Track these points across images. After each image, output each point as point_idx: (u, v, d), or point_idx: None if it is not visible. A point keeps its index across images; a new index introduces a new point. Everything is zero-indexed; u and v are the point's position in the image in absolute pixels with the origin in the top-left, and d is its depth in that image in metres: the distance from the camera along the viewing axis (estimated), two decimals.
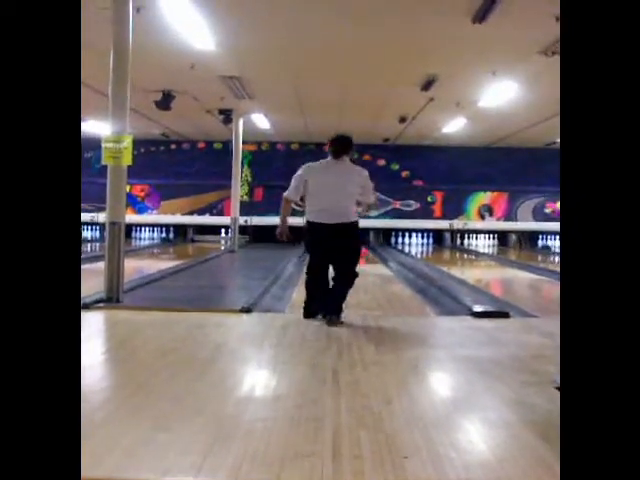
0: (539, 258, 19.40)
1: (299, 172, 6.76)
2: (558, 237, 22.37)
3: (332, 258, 6.60)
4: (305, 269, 6.89)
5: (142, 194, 22.88)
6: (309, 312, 6.62)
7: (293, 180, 6.74)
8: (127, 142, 7.45)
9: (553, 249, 22.25)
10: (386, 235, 22.65)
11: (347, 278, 6.60)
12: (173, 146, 22.87)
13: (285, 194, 6.80)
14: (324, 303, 6.57)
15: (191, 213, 23.03)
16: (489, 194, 23.13)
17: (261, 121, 18.09)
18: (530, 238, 23.14)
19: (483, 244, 23.26)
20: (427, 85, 12.72)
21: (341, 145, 6.72)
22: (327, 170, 6.71)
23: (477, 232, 23.35)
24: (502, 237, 23.31)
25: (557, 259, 18.77)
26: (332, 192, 6.57)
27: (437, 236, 23.19)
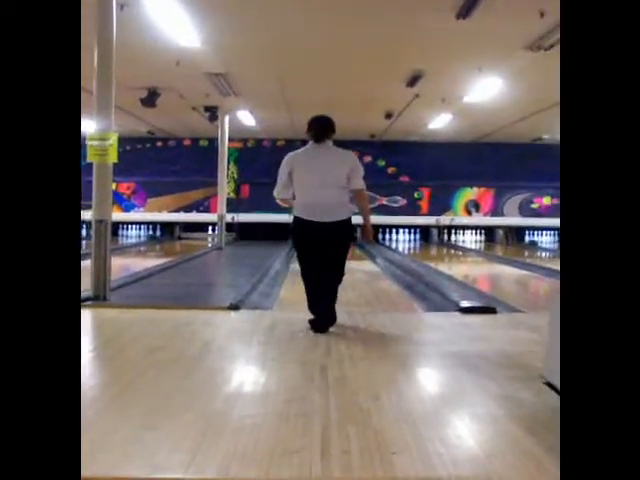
0: (526, 253, 19.47)
1: (282, 163, 6.00)
2: (544, 232, 22.53)
3: (322, 258, 5.89)
4: (302, 276, 6.03)
5: (128, 192, 22.83)
6: (321, 325, 5.82)
7: (279, 174, 6.02)
8: (112, 140, 7.42)
9: (540, 244, 22.35)
10: (373, 231, 22.38)
11: (337, 278, 6.00)
12: (159, 143, 22.82)
13: (274, 193, 6.07)
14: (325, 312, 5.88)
15: (177, 210, 23.00)
16: (476, 190, 23.19)
17: (247, 118, 18.07)
18: (517, 233, 23.22)
19: (470, 240, 23.33)
20: (413, 81, 12.73)
21: (321, 127, 6.00)
22: (311, 157, 5.95)
23: (464, 228, 23.41)
24: (489, 233, 23.38)
25: (544, 254, 18.85)
26: (319, 183, 5.81)
27: (424, 232, 23.23)
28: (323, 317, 5.83)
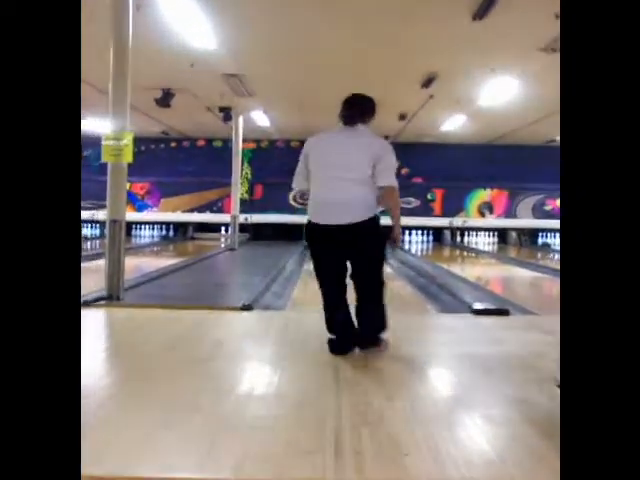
0: (539, 255, 19.40)
1: (303, 149, 4.97)
2: (558, 234, 22.44)
3: (351, 268, 4.92)
4: (320, 288, 5.06)
5: (142, 192, 22.89)
6: (340, 347, 4.91)
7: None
8: (128, 140, 7.45)
9: (553, 246, 22.28)
10: (385, 233, 22.36)
11: (374, 292, 4.94)
12: (173, 144, 22.88)
13: (293, 184, 5.05)
14: (347, 331, 4.97)
15: (191, 211, 23.05)
16: (489, 191, 23.14)
17: (261, 118, 18.09)
18: (530, 235, 23.16)
19: (483, 242, 23.27)
20: (427, 82, 12.72)
21: (355, 106, 4.93)
22: (331, 142, 4.86)
23: (477, 230, 23.37)
24: (502, 234, 23.32)
25: (557, 256, 18.78)
26: (336, 175, 4.72)
27: (437, 234, 23.20)
28: (341, 336, 4.96)
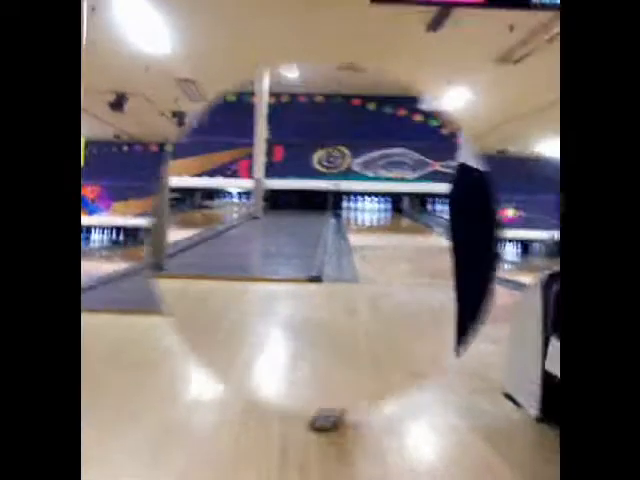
0: None
1: None
2: (508, 244, 22.64)
3: None
4: None
5: (92, 195, 22.59)
6: None
7: None
8: None
9: (502, 256, 22.46)
10: (422, 201, 20.54)
11: None
12: (125, 148, 22.60)
13: None
14: None
15: (200, 175, 20.80)
16: None
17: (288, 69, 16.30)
18: None
19: None
20: None
21: None
22: None
23: None
24: None
25: (505, 266, 18.92)
26: None
27: None
28: None
